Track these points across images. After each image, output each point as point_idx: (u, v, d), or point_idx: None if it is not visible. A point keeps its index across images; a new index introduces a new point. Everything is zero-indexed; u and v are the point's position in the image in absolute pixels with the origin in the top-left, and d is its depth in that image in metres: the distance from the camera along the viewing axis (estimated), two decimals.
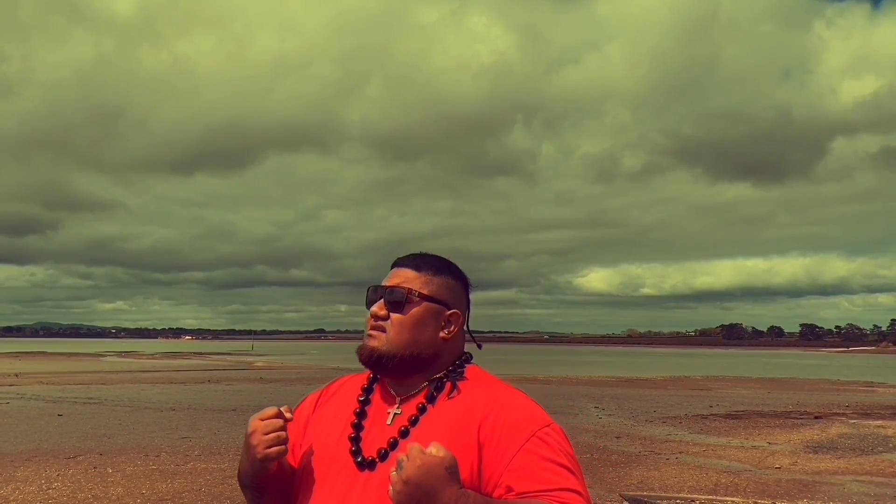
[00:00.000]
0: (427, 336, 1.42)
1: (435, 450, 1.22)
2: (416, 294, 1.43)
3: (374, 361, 1.41)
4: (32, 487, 8.29)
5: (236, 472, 1.49)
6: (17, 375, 30.86)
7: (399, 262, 1.49)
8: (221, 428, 13.93)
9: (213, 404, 18.92)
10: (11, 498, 7.74)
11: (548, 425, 1.34)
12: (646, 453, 11.59)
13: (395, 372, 1.42)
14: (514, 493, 1.27)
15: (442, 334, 1.44)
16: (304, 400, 1.58)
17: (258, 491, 1.43)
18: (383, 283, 1.47)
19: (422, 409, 1.39)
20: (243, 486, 1.46)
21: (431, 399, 1.40)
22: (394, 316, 1.42)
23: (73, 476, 8.99)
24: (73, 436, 12.60)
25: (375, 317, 1.44)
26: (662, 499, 8.12)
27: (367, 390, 1.48)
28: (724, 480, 9.37)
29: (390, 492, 1.23)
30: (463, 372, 1.44)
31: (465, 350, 1.51)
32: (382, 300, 1.44)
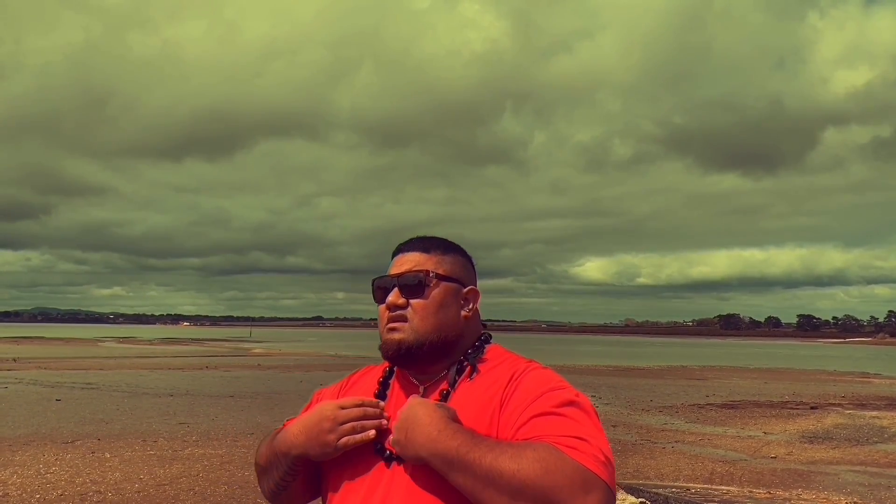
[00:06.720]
0: (451, 318, 1.35)
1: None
2: (433, 275, 1.35)
3: (403, 355, 1.32)
4: (30, 472, 8.31)
5: (261, 452, 1.42)
6: (15, 360, 30.88)
7: (403, 248, 1.41)
8: (219, 414, 13.97)
9: (211, 390, 18.96)
10: (10, 482, 7.76)
11: (570, 402, 1.22)
12: (642, 442, 11.64)
13: (423, 361, 1.34)
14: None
15: (463, 313, 1.37)
16: (321, 389, 1.51)
17: (291, 474, 1.36)
18: (391, 272, 1.38)
19: (444, 396, 1.32)
20: (278, 464, 1.37)
21: (453, 383, 1.33)
22: (414, 302, 1.34)
23: (71, 461, 9.01)
24: (71, 421, 12.62)
25: (393, 307, 1.34)
26: (658, 487, 8.14)
27: (384, 383, 1.41)
28: (719, 469, 9.41)
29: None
30: (483, 352, 1.37)
31: (484, 329, 1.43)
32: (397, 289, 1.35)
